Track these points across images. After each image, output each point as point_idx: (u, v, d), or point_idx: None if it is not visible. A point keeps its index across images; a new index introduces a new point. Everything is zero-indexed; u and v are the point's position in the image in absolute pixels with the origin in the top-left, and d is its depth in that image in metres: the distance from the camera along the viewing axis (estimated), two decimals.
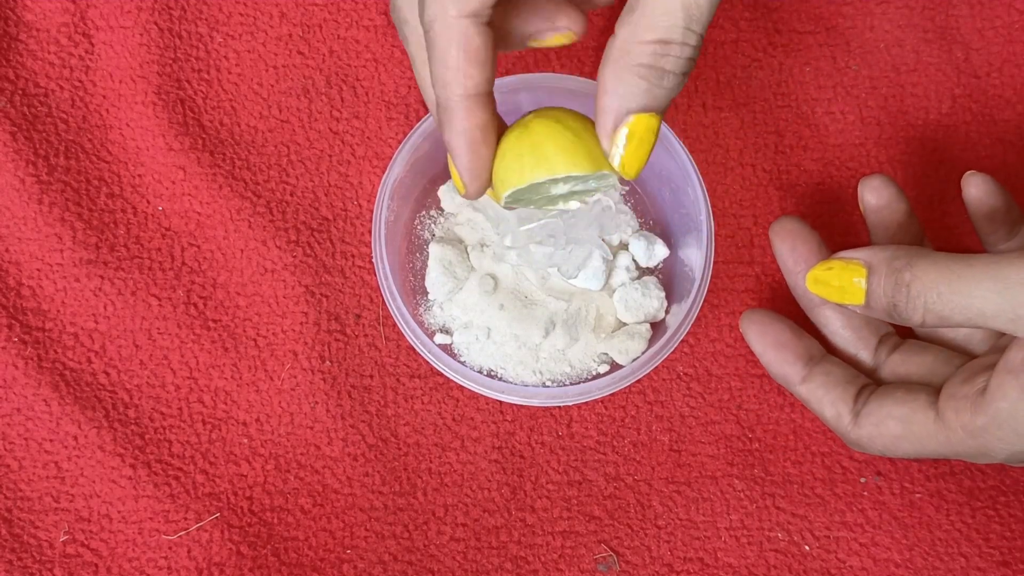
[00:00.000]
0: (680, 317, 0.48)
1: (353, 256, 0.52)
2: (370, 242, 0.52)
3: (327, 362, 0.51)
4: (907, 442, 0.45)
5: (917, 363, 0.48)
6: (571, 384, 0.49)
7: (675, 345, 0.48)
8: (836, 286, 0.45)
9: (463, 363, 0.50)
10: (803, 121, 0.55)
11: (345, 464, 0.50)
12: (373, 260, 0.48)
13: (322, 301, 0.52)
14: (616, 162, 0.39)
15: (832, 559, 0.50)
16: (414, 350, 0.51)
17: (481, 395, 0.51)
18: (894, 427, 0.45)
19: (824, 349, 0.49)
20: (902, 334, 0.50)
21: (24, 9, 0.54)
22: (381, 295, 0.52)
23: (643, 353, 0.49)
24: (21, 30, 0.54)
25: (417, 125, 0.49)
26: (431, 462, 0.51)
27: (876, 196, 0.49)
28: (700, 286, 0.48)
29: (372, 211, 0.52)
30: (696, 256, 0.49)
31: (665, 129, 0.49)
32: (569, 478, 0.51)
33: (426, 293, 0.50)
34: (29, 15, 0.54)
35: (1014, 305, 0.40)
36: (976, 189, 0.48)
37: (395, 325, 0.51)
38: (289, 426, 0.51)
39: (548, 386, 0.49)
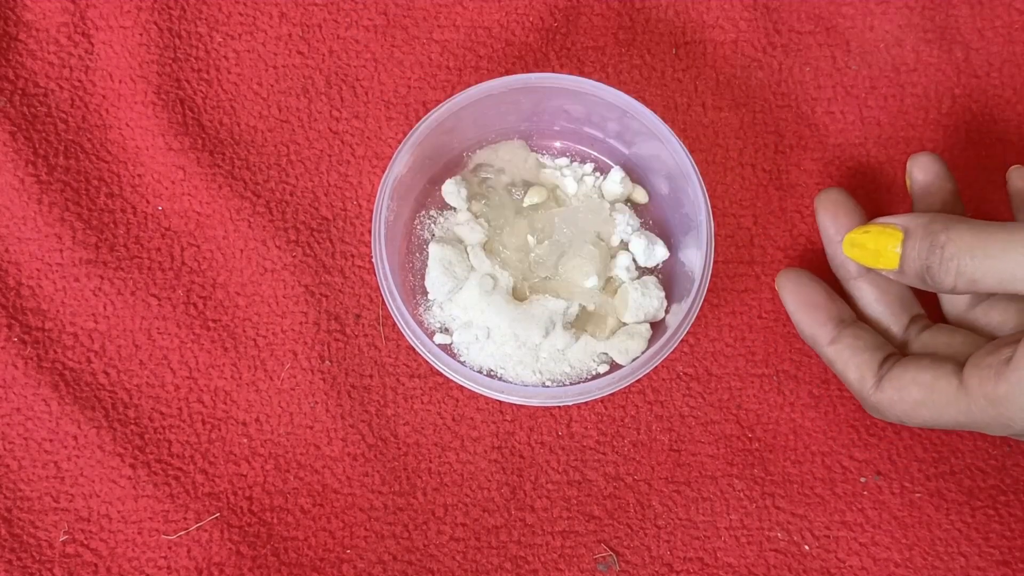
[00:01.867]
0: (680, 317, 0.48)
1: (353, 256, 0.52)
2: (370, 242, 0.52)
3: (327, 362, 0.51)
4: (927, 408, 0.45)
5: (945, 343, 0.48)
6: (571, 384, 0.49)
7: (675, 345, 0.48)
8: (872, 249, 0.45)
9: (463, 363, 0.50)
10: (803, 121, 0.55)
11: (345, 464, 0.50)
12: (373, 260, 0.48)
13: (322, 301, 0.52)
14: None
15: (832, 559, 0.50)
16: (414, 350, 0.51)
17: (481, 395, 0.51)
18: (916, 392, 0.45)
19: (855, 315, 0.49)
20: (933, 319, 0.50)
21: (24, 9, 0.54)
22: (380, 295, 0.52)
23: (643, 353, 0.49)
24: (20, 30, 0.54)
25: (418, 124, 0.49)
26: (431, 462, 0.51)
27: (924, 173, 0.49)
28: (700, 286, 0.48)
29: (372, 211, 0.52)
30: (696, 256, 0.49)
31: (665, 128, 0.49)
32: (569, 478, 0.51)
33: (426, 293, 0.50)
34: (29, 15, 0.54)
35: None
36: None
37: (395, 325, 0.51)
38: (289, 426, 0.51)
39: (548, 386, 0.49)
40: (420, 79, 0.54)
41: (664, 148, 0.49)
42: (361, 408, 0.51)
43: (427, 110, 0.54)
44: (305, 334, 0.51)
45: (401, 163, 0.48)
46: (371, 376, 0.51)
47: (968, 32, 0.56)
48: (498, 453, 0.51)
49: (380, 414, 0.51)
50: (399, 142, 0.53)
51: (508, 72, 0.55)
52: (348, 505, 0.50)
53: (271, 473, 0.50)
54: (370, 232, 0.52)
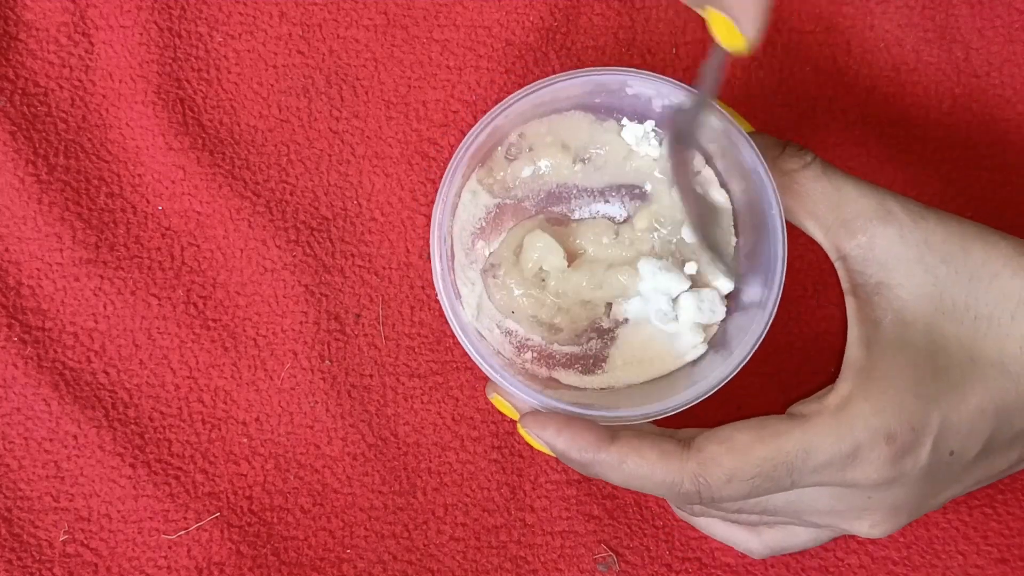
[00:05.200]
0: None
1: (353, 255, 0.52)
2: (369, 242, 0.52)
3: (327, 361, 0.51)
4: (761, 445, 0.41)
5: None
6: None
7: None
8: None
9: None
10: (803, 121, 0.55)
11: (345, 463, 0.50)
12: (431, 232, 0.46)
13: (322, 300, 0.52)
14: None
15: (830, 557, 0.50)
16: (414, 349, 0.51)
17: (481, 395, 0.51)
18: (744, 435, 0.42)
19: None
20: None
21: (24, 8, 0.54)
22: (381, 296, 0.52)
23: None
24: (21, 29, 0.54)
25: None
26: (431, 462, 0.51)
27: None
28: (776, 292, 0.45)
29: (371, 210, 0.52)
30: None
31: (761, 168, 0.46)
32: (569, 478, 0.51)
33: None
34: (29, 14, 0.54)
35: None
36: None
37: (395, 325, 0.51)
38: (289, 425, 0.51)
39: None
40: (420, 78, 0.54)
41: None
42: (361, 408, 0.51)
43: (427, 109, 0.54)
44: (305, 334, 0.51)
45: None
46: (371, 376, 0.51)
47: (968, 32, 0.56)
48: (498, 453, 0.51)
49: (380, 414, 0.51)
50: (399, 141, 0.53)
51: (508, 71, 0.54)
52: (348, 505, 0.50)
53: (271, 473, 0.50)
54: (369, 232, 0.52)
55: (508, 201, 0.48)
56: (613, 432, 0.43)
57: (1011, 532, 0.50)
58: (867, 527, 0.43)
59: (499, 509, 0.50)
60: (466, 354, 0.51)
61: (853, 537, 0.50)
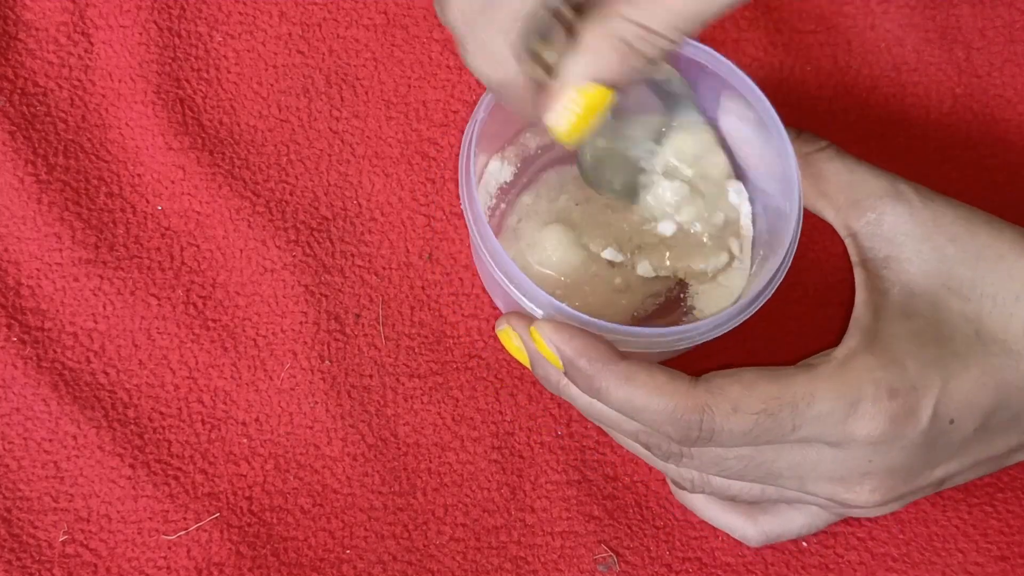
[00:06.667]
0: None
1: (353, 255, 0.52)
2: (369, 242, 0.52)
3: (326, 362, 0.51)
4: (767, 381, 0.41)
5: None
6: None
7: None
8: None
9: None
10: (803, 121, 0.55)
11: (345, 464, 0.50)
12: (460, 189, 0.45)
13: (321, 301, 0.52)
14: (558, 123, 0.39)
15: (830, 554, 0.50)
16: (414, 349, 0.51)
17: (480, 395, 0.51)
18: (750, 374, 0.42)
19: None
20: None
21: (23, 8, 0.54)
22: (381, 296, 0.52)
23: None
24: (20, 29, 0.54)
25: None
26: (431, 462, 0.51)
27: None
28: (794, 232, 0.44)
29: (371, 210, 0.52)
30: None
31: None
32: (569, 478, 0.51)
33: None
34: (28, 14, 0.54)
35: None
36: None
37: (395, 325, 0.51)
38: (288, 426, 0.51)
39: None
40: (420, 78, 0.54)
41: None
42: (361, 408, 0.51)
43: (427, 109, 0.54)
44: (305, 334, 0.51)
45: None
46: (371, 376, 0.51)
47: (969, 32, 0.56)
48: (498, 453, 0.51)
49: (380, 414, 0.51)
50: (399, 141, 0.53)
51: None
52: (348, 505, 0.50)
53: (271, 473, 0.50)
54: (369, 232, 0.52)
55: None
56: (624, 354, 0.42)
57: (1011, 530, 0.50)
58: (867, 493, 0.43)
59: (499, 510, 0.50)
60: (466, 354, 0.52)
61: (853, 533, 0.50)
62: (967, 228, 0.44)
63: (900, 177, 0.45)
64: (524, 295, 0.43)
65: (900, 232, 0.44)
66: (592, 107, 0.39)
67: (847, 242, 0.45)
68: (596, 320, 0.42)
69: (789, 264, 0.44)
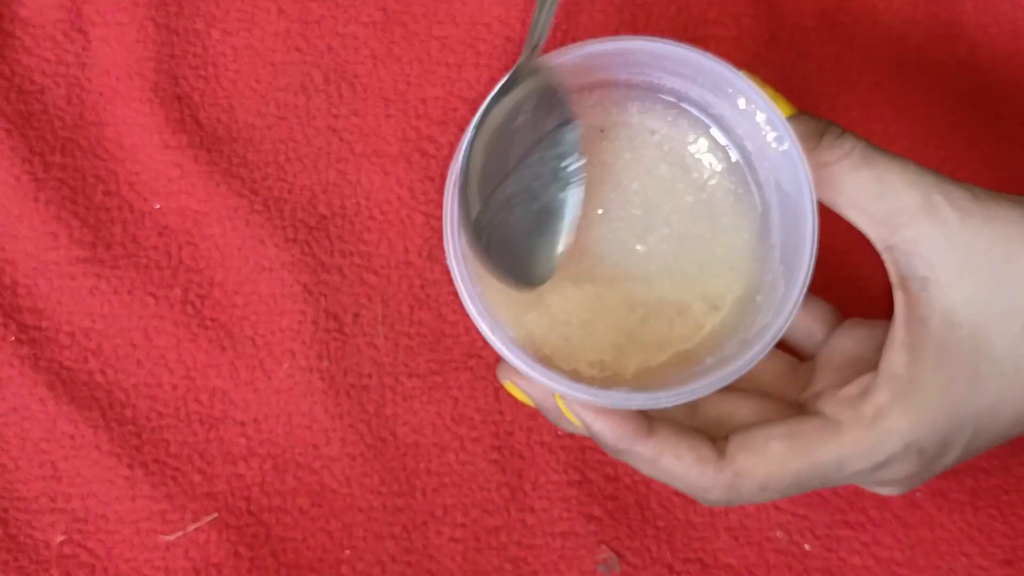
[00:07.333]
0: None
1: (351, 254, 0.52)
2: (368, 240, 0.52)
3: (325, 361, 0.51)
4: (795, 456, 0.42)
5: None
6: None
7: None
8: None
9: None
10: None
11: (343, 464, 0.50)
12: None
13: (320, 300, 0.52)
14: None
15: (833, 558, 0.50)
16: (413, 349, 0.51)
17: (480, 395, 0.51)
18: (777, 444, 0.42)
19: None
20: None
21: (19, 5, 0.54)
22: (381, 295, 0.51)
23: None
24: (16, 26, 0.54)
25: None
26: (430, 462, 0.51)
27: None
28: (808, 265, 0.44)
29: (369, 208, 0.52)
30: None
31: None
32: (569, 478, 0.51)
33: None
34: (24, 11, 0.54)
35: None
36: None
37: (394, 324, 0.51)
38: (287, 426, 0.51)
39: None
40: (419, 75, 0.54)
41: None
42: (360, 408, 0.51)
43: (426, 107, 0.54)
44: (303, 333, 0.51)
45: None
46: (370, 375, 0.51)
47: (973, 28, 0.56)
48: (498, 454, 0.51)
49: (379, 414, 0.51)
50: (398, 139, 0.53)
51: (508, 67, 0.54)
52: (347, 505, 0.50)
53: (269, 473, 0.50)
54: (368, 230, 0.52)
55: None
56: (650, 423, 0.42)
57: (1016, 534, 0.50)
58: (885, 492, 0.46)
59: (499, 510, 0.50)
60: (465, 353, 0.52)
61: (857, 537, 0.50)
62: (1003, 256, 0.41)
63: (935, 182, 0.42)
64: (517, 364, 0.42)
65: (936, 256, 0.42)
66: None
67: (884, 256, 0.44)
68: (596, 395, 0.41)
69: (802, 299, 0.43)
